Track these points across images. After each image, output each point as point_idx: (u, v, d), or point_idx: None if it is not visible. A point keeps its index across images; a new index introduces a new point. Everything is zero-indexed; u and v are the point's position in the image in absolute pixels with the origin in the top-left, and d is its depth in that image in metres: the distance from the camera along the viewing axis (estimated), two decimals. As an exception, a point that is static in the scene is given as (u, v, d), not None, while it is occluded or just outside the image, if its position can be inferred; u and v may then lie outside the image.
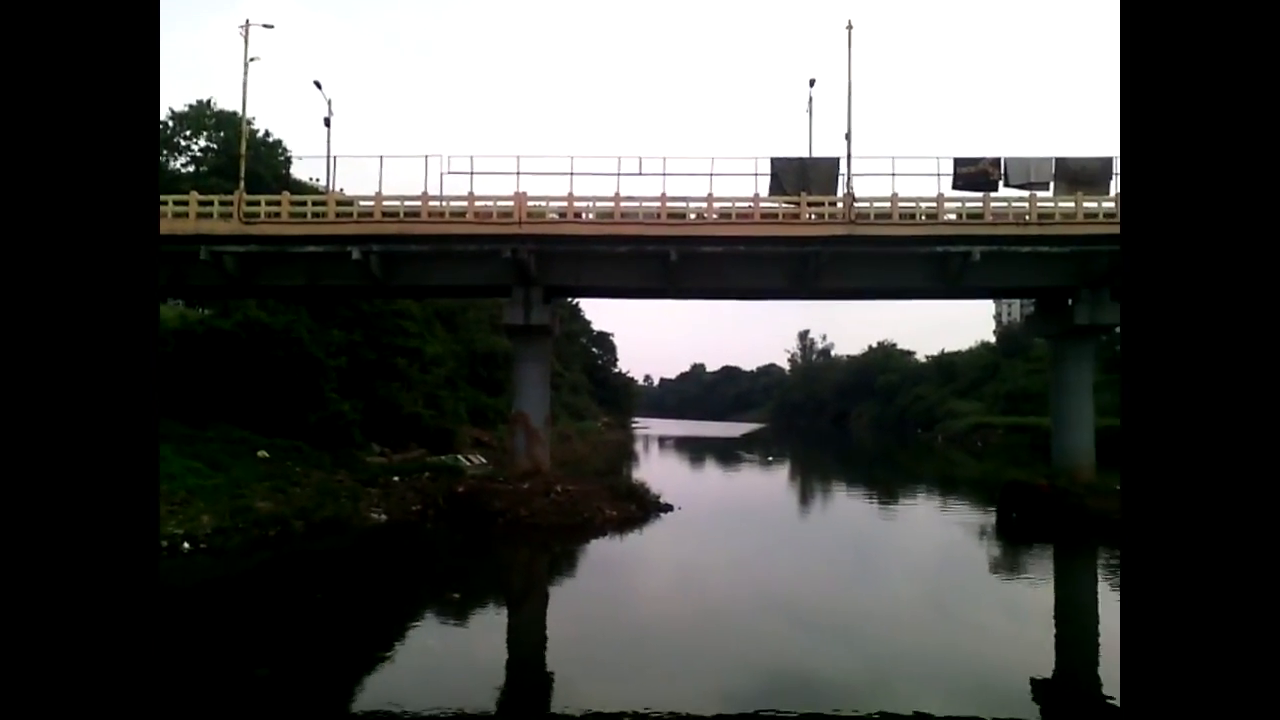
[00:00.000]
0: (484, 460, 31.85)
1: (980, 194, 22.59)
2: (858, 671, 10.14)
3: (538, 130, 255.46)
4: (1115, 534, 20.87)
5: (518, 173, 22.70)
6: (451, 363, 40.46)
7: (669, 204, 22.25)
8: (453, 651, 11.10)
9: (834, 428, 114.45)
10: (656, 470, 41.17)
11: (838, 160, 22.91)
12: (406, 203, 22.54)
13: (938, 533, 22.42)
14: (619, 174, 22.75)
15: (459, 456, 31.28)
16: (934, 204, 22.41)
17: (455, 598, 13.79)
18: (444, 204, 22.49)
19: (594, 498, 22.10)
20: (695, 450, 60.26)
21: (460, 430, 36.41)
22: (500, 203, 22.35)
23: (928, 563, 18.20)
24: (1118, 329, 64.28)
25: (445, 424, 34.78)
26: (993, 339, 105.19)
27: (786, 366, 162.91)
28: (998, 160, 22.88)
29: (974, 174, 22.86)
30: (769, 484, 38.50)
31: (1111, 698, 9.43)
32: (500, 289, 24.28)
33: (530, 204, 22.31)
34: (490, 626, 12.76)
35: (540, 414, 24.16)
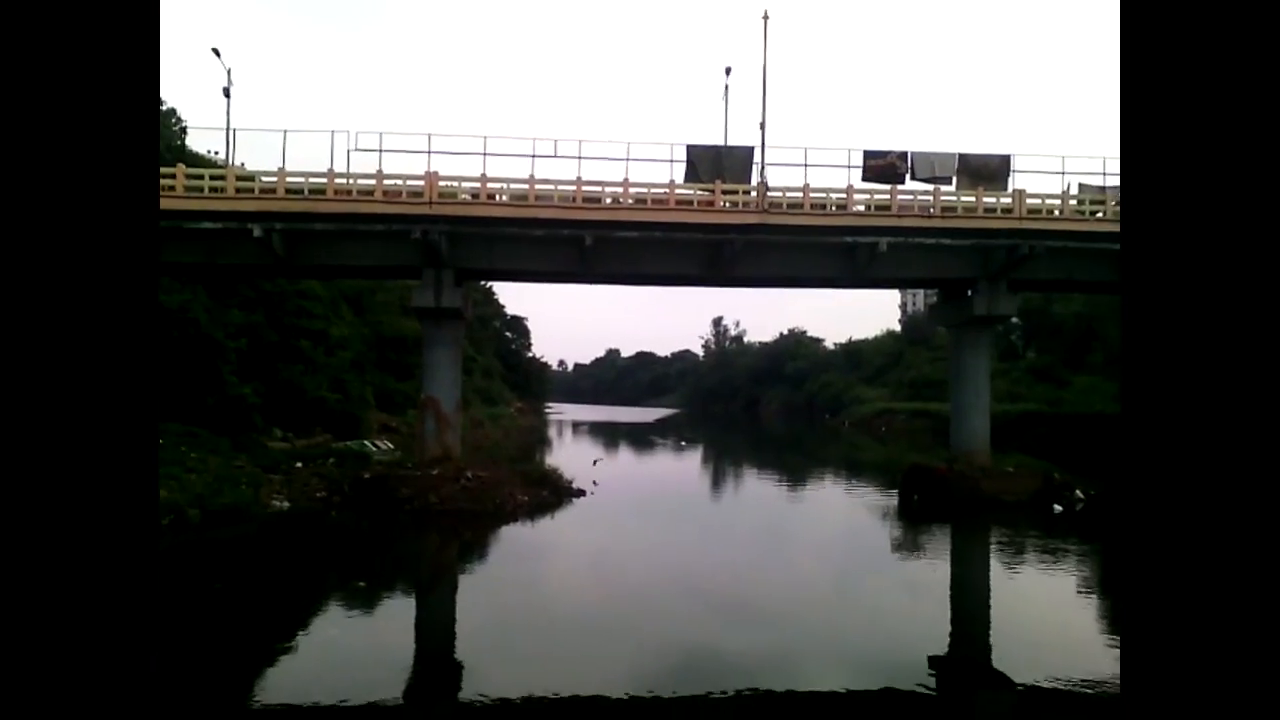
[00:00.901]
0: (392, 446, 31.13)
1: (887, 186, 23.24)
2: (766, 649, 10.34)
3: (450, 110, 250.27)
4: (1006, 514, 22.00)
5: (429, 151, 22.17)
6: (359, 345, 39.33)
7: (584, 188, 22.09)
8: (358, 642, 10.83)
9: (746, 413, 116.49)
10: (570, 455, 41.09)
11: (752, 149, 23.20)
12: (311, 179, 21.72)
13: (844, 515, 23.09)
14: (534, 156, 22.49)
15: (366, 442, 30.48)
16: (844, 195, 22.93)
17: (361, 586, 13.45)
18: (351, 182, 21.76)
19: (506, 484, 21.89)
20: (609, 435, 60.40)
21: (368, 415, 35.48)
22: (410, 182, 21.76)
23: (834, 543, 18.73)
24: (1013, 319, 67.05)
25: (352, 409, 33.82)
26: (898, 328, 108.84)
27: (701, 352, 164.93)
28: (904, 154, 23.58)
29: (882, 167, 23.51)
30: (682, 468, 38.91)
31: (1001, 669, 9.92)
32: (410, 270, 23.69)
33: (442, 184, 21.80)
34: (398, 615, 12.50)
35: (451, 399, 23.74)
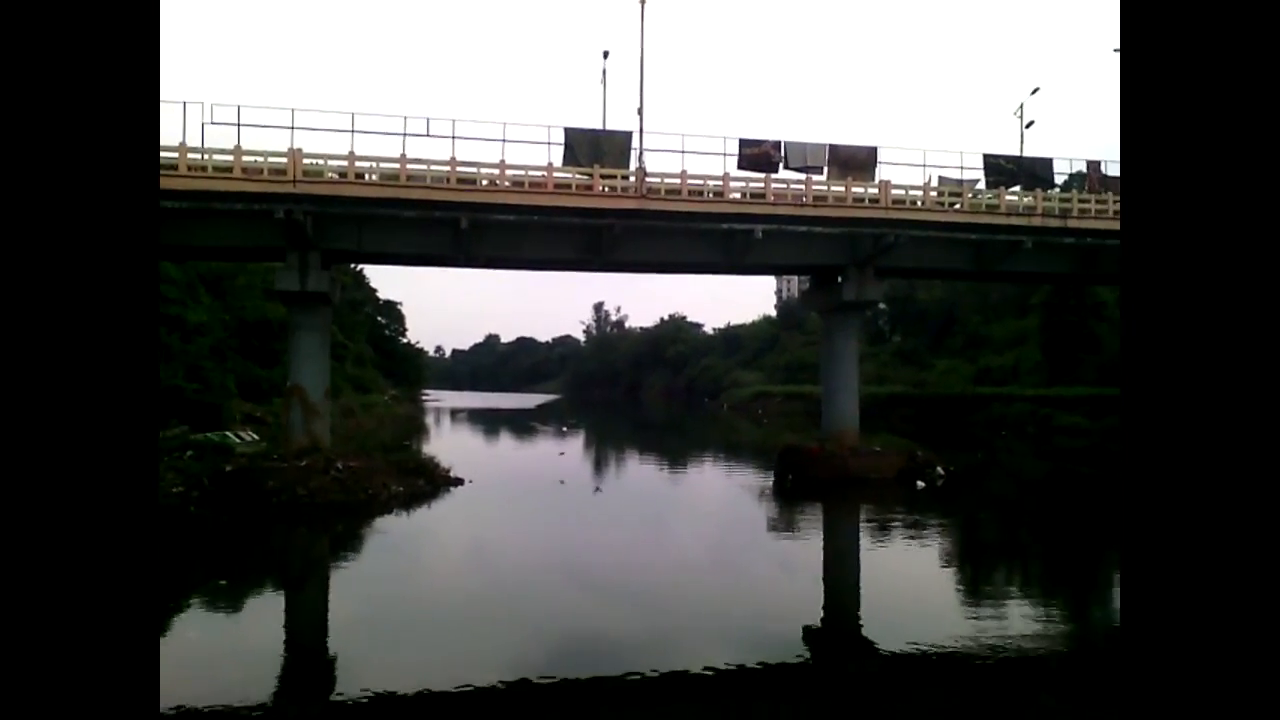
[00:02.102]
0: (257, 437, 29.56)
1: (762, 175, 23.75)
2: (647, 631, 10.43)
3: (316, 85, 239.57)
4: (873, 491, 23.05)
5: (292, 127, 21.00)
6: (219, 332, 37.13)
7: (459, 169, 21.50)
8: (221, 643, 10.21)
9: (627, 398, 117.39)
10: (447, 444, 40.29)
11: (630, 134, 23.19)
12: (162, 154, 20.20)
13: (722, 496, 23.59)
14: (405, 134, 21.65)
15: (228, 433, 28.79)
16: (720, 182, 23.28)
17: (223, 585, 12.71)
18: (206, 157, 20.38)
19: (379, 474, 21.18)
20: (488, 422, 59.55)
21: (230, 405, 33.56)
22: (272, 159, 20.58)
23: (714, 525, 19.08)
24: (881, 305, 70.10)
25: (212, 398, 31.90)
26: (774, 313, 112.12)
27: (582, 338, 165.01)
28: (778, 143, 24.14)
29: (757, 155, 23.99)
30: (563, 454, 38.77)
31: (870, 638, 10.35)
32: (274, 252, 22.48)
33: (307, 161, 20.72)
34: (264, 613, 11.87)
35: (319, 387, 22.75)
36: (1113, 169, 26.52)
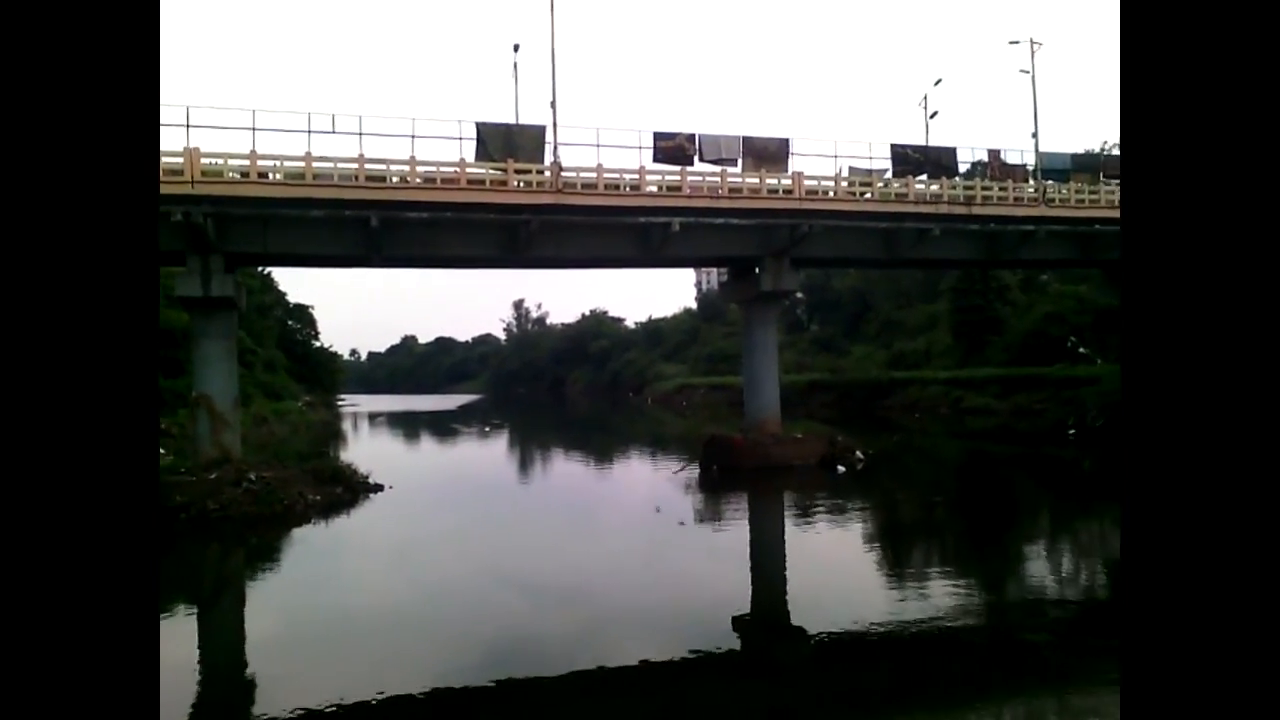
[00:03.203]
0: (163, 450, 28.23)
1: (678, 168, 23.83)
2: (578, 629, 10.33)
3: (213, 82, 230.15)
4: (796, 478, 23.46)
5: (188, 125, 20.00)
6: (117, 342, 35.28)
7: (368, 166, 20.89)
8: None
9: (551, 394, 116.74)
10: (366, 449, 39.29)
11: (544, 128, 22.93)
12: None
13: (648, 489, 23.60)
14: (310, 131, 20.91)
15: (131, 448, 27.44)
16: (637, 176, 23.25)
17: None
18: (95, 157, 19.25)
19: (294, 483, 20.45)
20: (408, 426, 58.35)
21: (131, 419, 31.97)
22: (167, 158, 19.60)
23: (640, 519, 19.06)
24: (798, 294, 71.38)
25: (111, 412, 30.33)
26: (694, 305, 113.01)
27: (502, 336, 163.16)
28: (693, 136, 24.26)
29: (672, 148, 24.06)
30: (487, 455, 38.27)
31: (799, 623, 10.49)
32: (173, 256, 21.42)
33: (205, 161, 19.81)
34: (175, 635, 11.27)
35: (227, 396, 21.83)
36: (1011, 156, 27.61)
